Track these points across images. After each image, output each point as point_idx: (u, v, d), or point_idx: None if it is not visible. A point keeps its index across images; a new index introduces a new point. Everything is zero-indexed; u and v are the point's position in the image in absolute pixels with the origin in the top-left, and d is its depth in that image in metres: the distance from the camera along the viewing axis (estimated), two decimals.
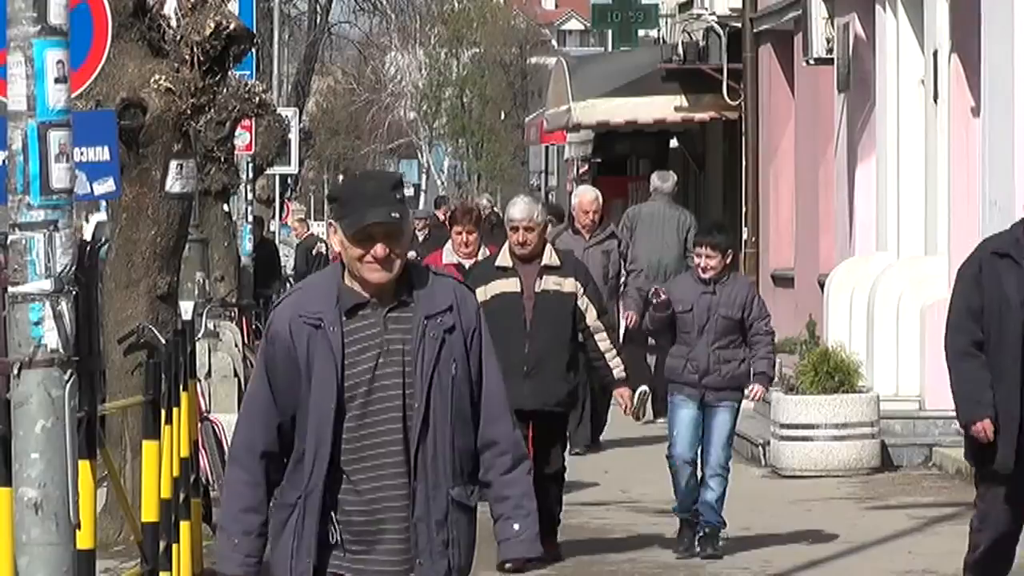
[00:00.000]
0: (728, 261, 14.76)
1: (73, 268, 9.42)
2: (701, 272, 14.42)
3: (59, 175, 9.09)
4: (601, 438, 22.53)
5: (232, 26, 17.68)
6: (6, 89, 9.20)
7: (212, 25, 17.28)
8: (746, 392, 14.90)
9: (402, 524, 6.25)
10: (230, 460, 6.58)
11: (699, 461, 14.51)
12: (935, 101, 22.70)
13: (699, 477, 14.55)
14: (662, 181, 25.79)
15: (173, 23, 16.87)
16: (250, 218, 33.75)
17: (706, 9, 32.79)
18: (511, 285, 14.35)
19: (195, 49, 16.93)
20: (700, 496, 14.29)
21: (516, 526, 6.32)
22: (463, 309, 6.34)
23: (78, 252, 9.82)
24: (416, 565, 6.25)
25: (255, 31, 25.20)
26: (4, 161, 9.51)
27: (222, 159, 23.89)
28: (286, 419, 6.29)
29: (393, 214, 6.15)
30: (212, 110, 18.51)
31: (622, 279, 20.26)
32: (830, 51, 25.64)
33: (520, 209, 14.42)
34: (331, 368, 6.16)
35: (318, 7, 69.12)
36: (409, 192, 77.43)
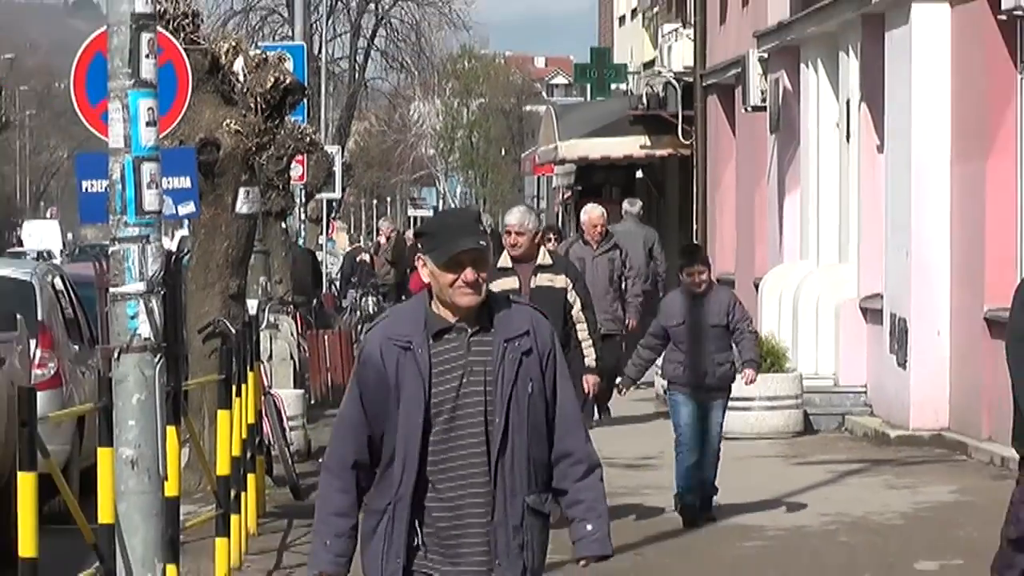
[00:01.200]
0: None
1: (161, 273, 9.42)
2: (696, 288, 14.16)
3: (150, 199, 9.09)
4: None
5: (288, 81, 17.81)
6: (107, 131, 9.18)
7: (272, 80, 17.36)
8: (740, 376, 14.61)
9: (483, 529, 5.83)
10: (324, 469, 6.11)
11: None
12: (847, 140, 22.69)
13: (696, 460, 14.38)
14: (631, 205, 25.79)
15: (241, 78, 16.89)
16: (304, 233, 33.80)
17: (665, 67, 32.73)
18: (511, 283, 13.78)
19: (258, 99, 16.96)
20: (701, 475, 14.17)
21: (589, 527, 5.91)
22: (539, 333, 5.91)
23: (165, 260, 9.82)
24: (496, 566, 5.85)
25: (306, 84, 25.24)
26: (106, 188, 9.48)
27: (280, 187, 23.83)
28: (376, 433, 5.88)
29: (480, 242, 5.76)
30: (272, 148, 18.54)
31: (624, 284, 20.11)
32: (764, 100, 25.60)
33: (514, 216, 14.11)
34: (419, 386, 5.74)
35: (356, 65, 69.01)
36: (427, 213, 77.33)
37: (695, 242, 18.57)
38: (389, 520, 5.82)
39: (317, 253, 37.48)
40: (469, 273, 5.70)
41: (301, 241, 32.63)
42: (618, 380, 16.41)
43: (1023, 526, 10.35)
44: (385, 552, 5.84)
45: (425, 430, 5.74)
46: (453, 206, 75.21)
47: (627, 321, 20.92)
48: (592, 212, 20.19)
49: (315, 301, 32.89)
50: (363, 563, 5.89)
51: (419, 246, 6.12)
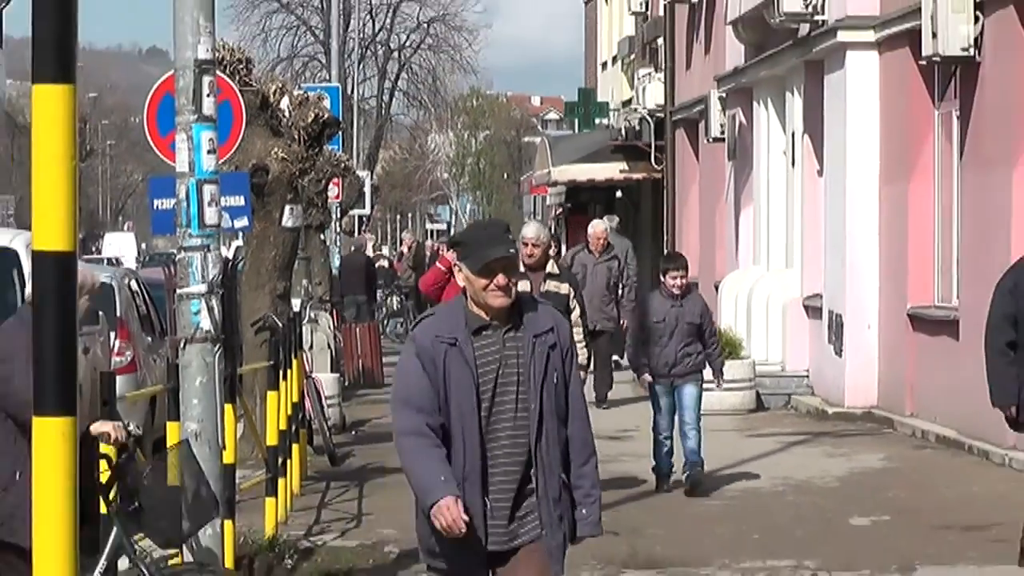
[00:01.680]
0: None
1: (220, 277, 9.41)
2: (674, 289, 14.02)
3: (210, 215, 9.09)
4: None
5: (326, 116, 17.86)
6: (175, 158, 9.18)
7: (312, 115, 17.37)
8: (707, 382, 14.42)
9: (524, 503, 5.74)
10: (401, 435, 5.81)
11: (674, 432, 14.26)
12: (792, 166, 22.67)
13: (671, 445, 14.26)
14: (610, 220, 25.74)
15: (286, 114, 16.89)
16: (339, 244, 33.82)
17: (640, 105, 32.64)
18: (523, 287, 13.48)
19: (301, 131, 16.96)
20: (683, 446, 13.98)
21: (584, 511, 5.83)
22: (560, 330, 5.85)
23: (223, 266, 9.80)
24: (541, 535, 5.72)
25: (340, 119, 25.30)
26: (174, 206, 9.46)
27: (319, 204, 23.76)
28: (436, 404, 5.70)
29: (510, 251, 5.74)
30: (312, 172, 18.54)
31: (620, 290, 20.05)
32: (722, 133, 25.58)
33: (531, 230, 13.69)
34: (468, 375, 5.63)
35: (382, 103, 69.01)
36: (442, 226, 77.28)
37: (677, 251, 18.52)
38: (462, 494, 5.59)
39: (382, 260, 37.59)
40: (501, 278, 5.63)
41: (337, 252, 32.54)
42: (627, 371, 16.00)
43: None
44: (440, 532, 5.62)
45: (479, 410, 5.65)
46: (463, 221, 75.17)
47: (620, 321, 20.80)
48: (597, 227, 20.19)
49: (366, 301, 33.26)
50: (421, 535, 5.81)
51: (455, 255, 6.03)
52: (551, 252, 13.78)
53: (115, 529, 7.81)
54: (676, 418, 14.03)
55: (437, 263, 16.67)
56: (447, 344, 5.66)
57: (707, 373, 14.42)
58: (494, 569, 5.82)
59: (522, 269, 13.36)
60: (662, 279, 14.39)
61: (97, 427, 7.77)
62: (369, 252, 39.67)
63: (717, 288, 24.62)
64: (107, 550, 7.81)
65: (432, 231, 77.98)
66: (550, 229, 42.99)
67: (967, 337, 16.48)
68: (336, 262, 31.90)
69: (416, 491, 5.73)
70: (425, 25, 68.45)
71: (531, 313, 5.79)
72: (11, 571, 7.41)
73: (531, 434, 5.66)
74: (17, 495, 7.41)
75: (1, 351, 7.66)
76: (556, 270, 13.58)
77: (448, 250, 17.51)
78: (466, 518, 5.58)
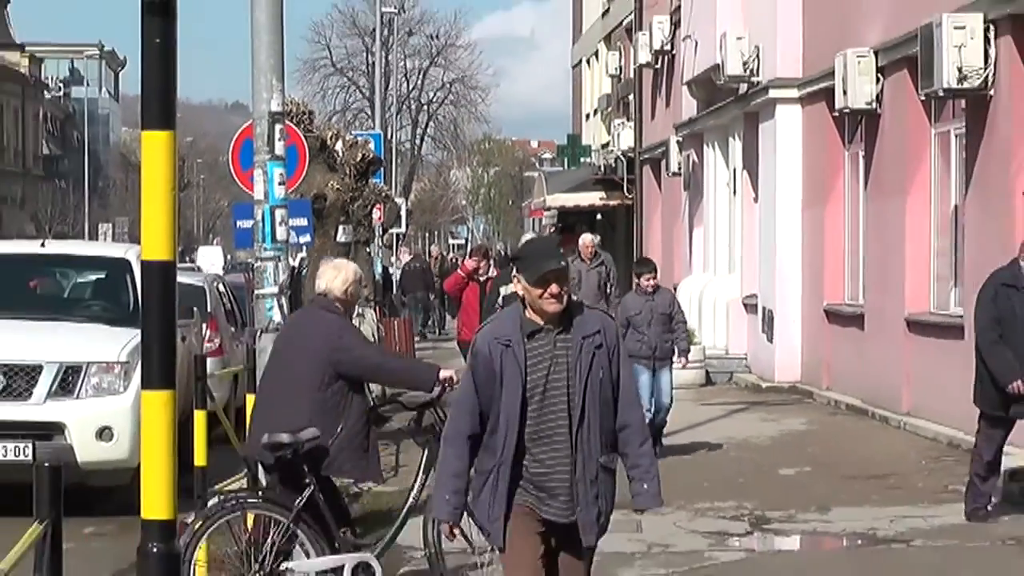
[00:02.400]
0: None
1: (288, 281, 9.40)
2: (648, 288, 13.78)
3: (280, 233, 9.10)
4: None
5: (371, 156, 17.89)
6: (253, 188, 9.18)
7: (361, 155, 17.36)
8: (675, 362, 14.17)
9: (567, 483, 5.32)
10: (444, 440, 5.59)
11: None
12: (734, 194, 22.64)
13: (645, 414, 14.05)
14: (593, 237, 25.73)
15: (340, 154, 16.88)
16: (380, 256, 33.89)
17: (615, 147, 32.72)
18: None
19: (351, 168, 16.95)
20: (655, 418, 13.46)
21: (646, 486, 5.41)
22: (607, 333, 5.41)
23: (290, 273, 9.80)
24: (576, 511, 5.32)
25: (382, 158, 25.31)
26: (252, 226, 9.46)
27: (366, 224, 23.74)
28: (484, 409, 5.35)
29: (561, 263, 5.31)
30: (360, 199, 18.53)
31: (608, 290, 19.74)
32: (680, 169, 25.54)
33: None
34: (518, 374, 5.26)
35: (415, 146, 69.34)
36: (461, 241, 77.20)
37: (647, 257, 18.46)
38: (495, 478, 5.34)
39: (388, 268, 37.44)
40: (554, 288, 5.27)
41: (379, 262, 32.60)
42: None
43: (983, 463, 9.98)
44: (491, 502, 5.36)
45: (522, 408, 5.28)
46: (478, 238, 75.12)
47: (611, 315, 20.41)
48: (586, 239, 19.84)
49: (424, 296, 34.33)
50: (472, 510, 5.49)
51: (513, 267, 5.66)
52: None
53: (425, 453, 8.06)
54: (653, 397, 13.93)
55: (458, 270, 16.63)
56: (503, 346, 5.32)
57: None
58: (550, 541, 5.45)
59: (486, 275, 13.27)
60: (636, 281, 14.30)
61: (444, 373, 7.83)
62: (402, 259, 39.86)
63: (675, 289, 24.57)
64: (423, 464, 8.06)
65: (453, 245, 77.66)
66: (563, 238, 43.06)
67: (870, 328, 16.50)
68: (379, 270, 31.90)
69: (435, 493, 5.65)
70: (448, 85, 68.70)
71: (580, 317, 5.42)
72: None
73: (572, 423, 5.31)
74: (341, 442, 7.50)
75: (325, 330, 7.61)
76: None
77: (469, 259, 17.63)
78: (457, 532, 5.57)
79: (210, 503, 7.68)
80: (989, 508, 10.11)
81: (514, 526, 5.35)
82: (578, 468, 5.31)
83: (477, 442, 5.39)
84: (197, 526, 7.33)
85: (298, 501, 7.33)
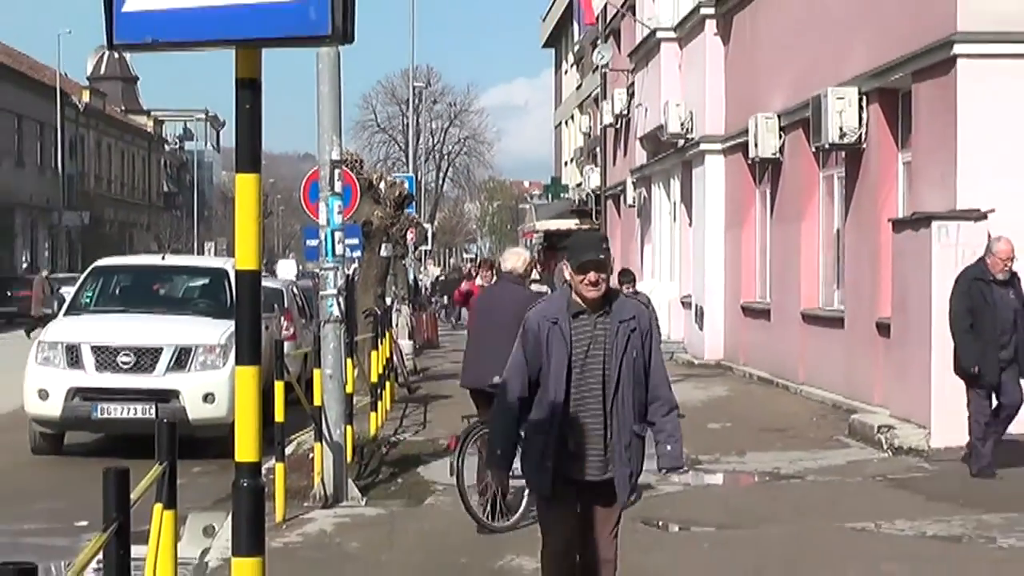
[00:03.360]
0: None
1: (344, 285, 9.39)
2: (629, 291, 13.00)
3: (338, 250, 9.06)
4: None
5: (405, 192, 17.90)
6: (319, 216, 9.16)
7: (398, 192, 17.39)
8: None
9: (599, 444, 4.69)
10: (498, 403, 4.97)
11: None
12: (674, 221, 22.62)
13: None
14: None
15: (383, 191, 16.91)
16: (412, 267, 33.90)
17: (587, 186, 32.77)
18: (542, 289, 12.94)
19: (391, 201, 16.98)
20: None
21: (668, 448, 4.83)
22: (640, 319, 4.76)
23: (346, 279, 9.80)
24: (610, 469, 4.71)
25: (414, 194, 25.33)
26: (317, 244, 9.44)
27: (402, 243, 23.83)
28: (532, 376, 4.74)
29: (600, 255, 4.66)
30: (397, 224, 18.56)
31: None
32: (634, 202, 25.58)
33: (520, 257, 12.96)
34: (563, 347, 4.66)
35: (439, 185, 69.56)
36: (472, 255, 77.06)
37: (628, 268, 18.20)
38: (544, 436, 4.70)
39: (418, 277, 37.52)
40: (592, 275, 4.64)
41: (411, 271, 32.58)
42: None
43: (980, 428, 9.21)
44: (539, 460, 4.73)
45: (568, 376, 4.67)
46: (485, 254, 75.11)
47: None
48: (508, 258, 19.65)
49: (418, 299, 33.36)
50: (523, 467, 4.86)
51: (563, 256, 5.02)
52: (535, 267, 13.38)
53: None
54: None
55: (458, 288, 16.61)
56: (550, 323, 4.72)
57: None
58: (584, 498, 4.84)
59: (485, 282, 12.61)
60: (619, 287, 13.75)
61: None
62: (431, 271, 39.89)
63: None
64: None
65: (467, 259, 77.65)
66: (538, 255, 43.06)
67: (775, 319, 16.50)
68: (411, 277, 31.82)
69: (487, 444, 5.06)
70: (462, 140, 69.17)
71: (619, 303, 4.79)
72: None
73: (606, 393, 4.69)
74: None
75: (517, 297, 7.71)
76: (537, 277, 13.26)
77: (478, 270, 17.59)
78: (508, 480, 5.04)
79: (464, 428, 7.98)
80: (993, 467, 9.23)
81: (556, 481, 4.79)
82: (613, 433, 4.71)
83: (527, 404, 4.80)
84: (461, 441, 7.68)
85: None
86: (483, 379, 7.61)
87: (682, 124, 20.24)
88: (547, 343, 4.70)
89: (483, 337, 8.12)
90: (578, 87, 38.82)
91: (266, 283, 17.01)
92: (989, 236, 9.68)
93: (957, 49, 10.83)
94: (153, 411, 10.55)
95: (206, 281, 13.15)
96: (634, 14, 24.65)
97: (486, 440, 4.88)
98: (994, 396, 9.20)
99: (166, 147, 75.52)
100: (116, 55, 62.25)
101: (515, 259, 8.58)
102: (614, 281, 14.13)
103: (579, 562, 4.85)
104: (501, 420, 4.87)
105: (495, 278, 15.83)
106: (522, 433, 4.87)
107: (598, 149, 32.08)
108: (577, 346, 4.69)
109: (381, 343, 13.78)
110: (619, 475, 4.71)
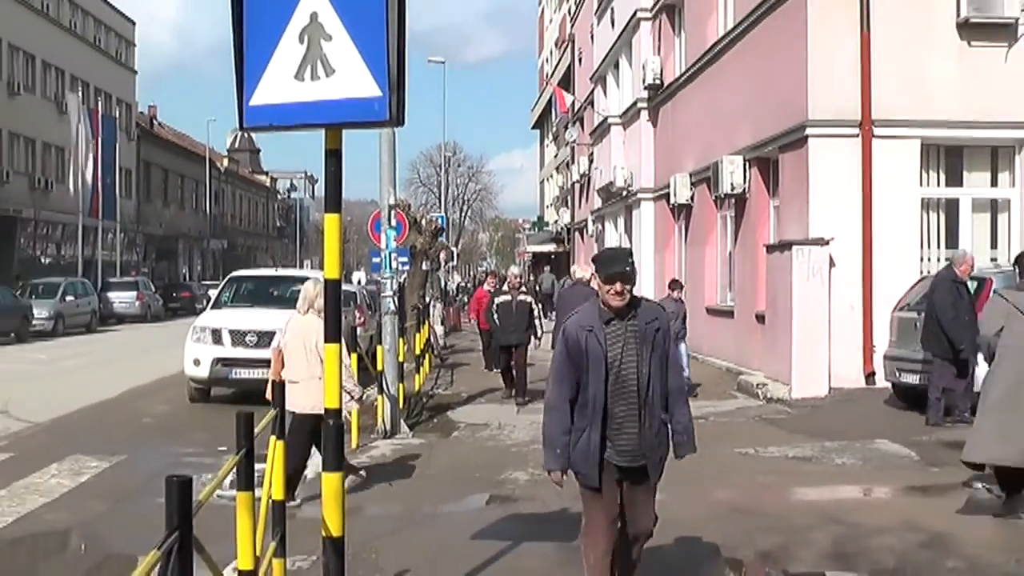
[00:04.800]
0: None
1: (396, 289, 9.35)
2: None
3: (393, 265, 9.03)
4: None
5: (439, 226, 17.89)
6: (380, 242, 9.13)
7: (433, 226, 17.29)
8: None
9: (635, 433, 3.75)
10: (548, 407, 3.88)
11: None
12: (633, 243, 22.53)
13: None
14: (550, 270, 25.69)
15: (423, 225, 16.84)
16: (442, 277, 33.65)
17: (561, 223, 32.70)
18: (507, 297, 11.25)
19: (429, 232, 16.90)
20: None
21: (685, 437, 3.90)
22: (661, 320, 3.85)
23: (399, 285, 9.75)
24: (643, 455, 3.78)
25: (445, 227, 25.25)
26: (379, 260, 9.41)
27: (436, 261, 23.78)
28: (575, 380, 3.76)
29: (626, 268, 3.77)
30: (432, 248, 18.48)
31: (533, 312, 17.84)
32: (593, 233, 25.48)
33: (515, 270, 11.96)
34: (600, 352, 3.73)
35: (461, 222, 69.46)
36: (485, 268, 76.46)
37: (677, 279, 16.85)
38: (589, 432, 3.74)
39: (447, 283, 37.24)
40: (619, 286, 3.75)
41: (442, 282, 32.25)
42: None
43: (939, 390, 8.23)
44: (587, 450, 3.74)
45: (606, 377, 3.73)
46: (492, 267, 74.66)
47: None
48: (577, 271, 19.20)
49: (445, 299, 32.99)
50: (573, 459, 3.78)
51: (595, 268, 3.98)
52: (526, 280, 12.90)
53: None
54: None
55: (474, 296, 16.48)
56: (586, 331, 3.77)
57: None
58: (624, 481, 3.85)
59: (506, 287, 11.48)
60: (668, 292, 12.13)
61: None
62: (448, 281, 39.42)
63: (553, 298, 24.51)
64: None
65: (480, 271, 77.31)
66: (528, 270, 43.04)
67: (690, 312, 16.28)
68: (442, 283, 31.64)
69: (543, 446, 3.87)
70: (477, 192, 69.05)
71: (642, 309, 3.86)
72: None
73: (640, 388, 3.75)
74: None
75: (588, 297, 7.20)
76: (525, 289, 12.17)
77: (488, 279, 17.33)
78: (564, 478, 3.85)
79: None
80: (944, 418, 8.25)
81: (605, 473, 3.81)
82: (646, 421, 3.77)
83: (572, 406, 3.81)
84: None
85: None
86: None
87: (625, 180, 20.17)
88: (585, 349, 3.77)
89: (563, 313, 8.32)
90: (555, 155, 38.82)
91: (345, 287, 16.97)
92: (965, 253, 8.61)
93: (808, 131, 10.84)
94: (267, 373, 10.50)
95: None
96: (593, 107, 24.63)
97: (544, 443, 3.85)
98: (960, 371, 8.17)
99: (278, 196, 75.83)
100: (245, 134, 62.52)
101: (584, 271, 9.06)
102: (663, 289, 12.60)
103: (618, 536, 3.91)
104: (556, 423, 3.81)
105: (493, 286, 15.20)
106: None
107: (569, 197, 32.03)
108: (612, 349, 3.77)
109: (422, 328, 13.77)
110: (651, 460, 3.82)
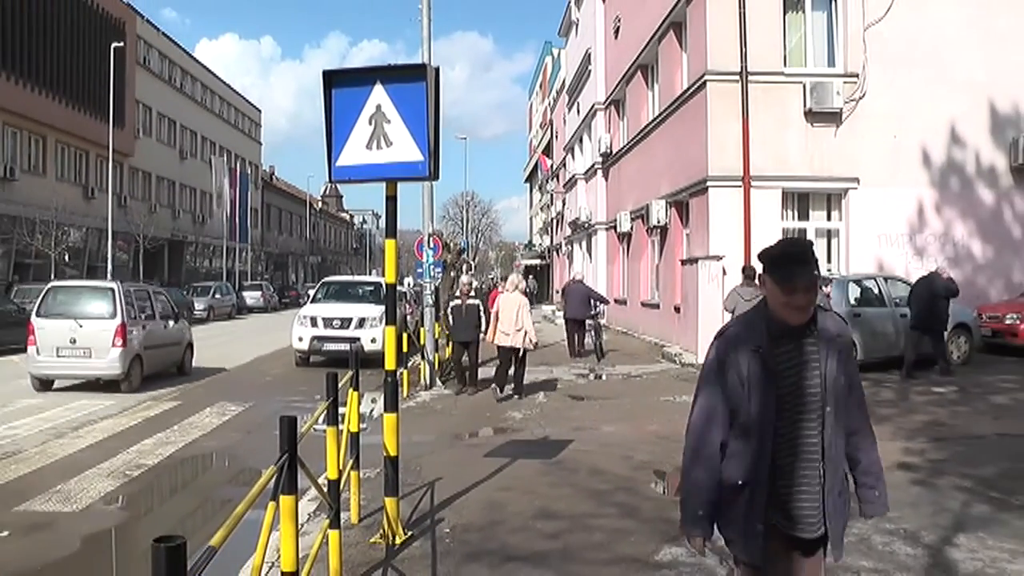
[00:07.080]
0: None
1: (434, 291, 9.23)
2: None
3: (432, 273, 8.93)
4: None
5: (462, 247, 17.39)
6: (422, 257, 9.03)
7: (458, 247, 16.99)
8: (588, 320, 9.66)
9: (816, 495, 1.90)
10: (693, 454, 1.94)
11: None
12: (590, 260, 22.24)
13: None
14: (533, 278, 25.29)
15: (451, 247, 16.51)
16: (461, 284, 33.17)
17: (544, 244, 32.40)
18: (474, 302, 8.57)
19: (455, 251, 16.68)
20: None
21: (876, 493, 1.96)
22: (844, 334, 1.93)
23: (436, 287, 9.61)
24: (826, 523, 1.91)
25: (466, 249, 24.86)
26: (422, 270, 9.28)
27: (459, 270, 23.47)
28: (728, 419, 1.93)
29: (815, 272, 1.85)
30: (458, 261, 18.15)
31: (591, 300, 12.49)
32: (565, 252, 25.23)
33: (513, 277, 8.97)
34: (770, 382, 1.90)
35: (477, 245, 68.81)
36: (492, 275, 74.61)
37: (750, 264, 9.94)
38: (751, 492, 1.92)
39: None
40: (801, 298, 1.89)
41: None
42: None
43: (914, 355, 7.32)
44: (747, 521, 1.92)
45: (777, 415, 1.91)
46: (498, 277, 71.18)
47: (594, 316, 12.25)
48: (462, 279, 15.56)
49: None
50: (721, 529, 1.98)
51: (764, 267, 1.95)
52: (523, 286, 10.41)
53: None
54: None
55: (494, 291, 15.94)
56: (750, 351, 1.93)
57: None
58: (793, 552, 1.97)
59: (458, 293, 8.21)
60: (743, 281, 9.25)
61: None
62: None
63: (560, 292, 24.29)
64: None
65: (490, 277, 76.39)
66: (526, 278, 42.57)
67: (629, 305, 16.21)
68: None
69: (680, 503, 2.02)
70: (488, 224, 68.37)
71: (822, 319, 1.96)
72: None
73: (825, 432, 1.92)
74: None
75: (586, 290, 7.28)
76: (474, 294, 8.71)
77: (500, 283, 16.52)
78: (706, 546, 1.99)
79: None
80: (915, 375, 7.40)
81: (770, 544, 1.96)
82: (828, 479, 1.94)
83: (724, 448, 1.98)
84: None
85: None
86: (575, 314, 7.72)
87: (587, 216, 19.94)
88: (748, 375, 1.94)
89: (569, 301, 8.25)
90: (540, 200, 38.60)
91: (398, 288, 16.79)
92: (941, 269, 8.13)
93: (709, 184, 10.85)
94: (348, 347, 10.50)
95: (372, 287, 13.01)
96: (565, 167, 24.51)
97: (680, 501, 1.98)
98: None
99: (354, 226, 76.15)
100: (333, 185, 62.56)
101: (580, 273, 9.06)
102: (738, 276, 8.09)
103: None
104: (700, 475, 1.98)
105: (571, 281, 12.73)
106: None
107: (549, 228, 31.70)
108: (785, 378, 1.94)
109: (438, 319, 13.34)
110: (834, 529, 1.96)
